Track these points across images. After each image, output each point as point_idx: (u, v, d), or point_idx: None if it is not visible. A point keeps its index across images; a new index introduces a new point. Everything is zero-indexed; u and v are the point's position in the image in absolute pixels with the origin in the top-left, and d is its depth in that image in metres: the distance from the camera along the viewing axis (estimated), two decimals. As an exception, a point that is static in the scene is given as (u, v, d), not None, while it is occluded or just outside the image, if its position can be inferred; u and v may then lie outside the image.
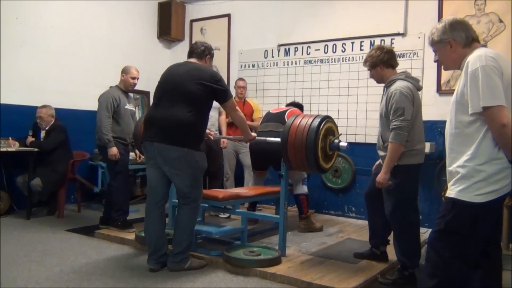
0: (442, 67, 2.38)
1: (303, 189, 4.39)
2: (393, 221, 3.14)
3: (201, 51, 3.37)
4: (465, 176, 2.00)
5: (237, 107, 3.38)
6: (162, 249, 3.24)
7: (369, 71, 3.27)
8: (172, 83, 3.19)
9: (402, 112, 2.93)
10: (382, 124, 3.12)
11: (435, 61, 2.33)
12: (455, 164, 2.06)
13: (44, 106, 4.94)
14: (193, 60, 3.37)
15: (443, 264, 2.06)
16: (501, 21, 4.42)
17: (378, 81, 3.25)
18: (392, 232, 3.23)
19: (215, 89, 3.17)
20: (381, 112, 3.11)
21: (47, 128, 4.94)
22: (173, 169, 3.15)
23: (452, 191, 2.04)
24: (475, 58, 1.99)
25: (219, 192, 3.66)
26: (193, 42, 3.50)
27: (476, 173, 1.97)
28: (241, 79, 5.69)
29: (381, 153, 3.15)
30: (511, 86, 1.97)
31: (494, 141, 1.95)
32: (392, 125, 2.95)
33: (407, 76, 3.10)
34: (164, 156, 3.12)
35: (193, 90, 3.11)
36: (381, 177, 2.99)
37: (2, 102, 4.94)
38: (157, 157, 3.15)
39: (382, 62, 3.13)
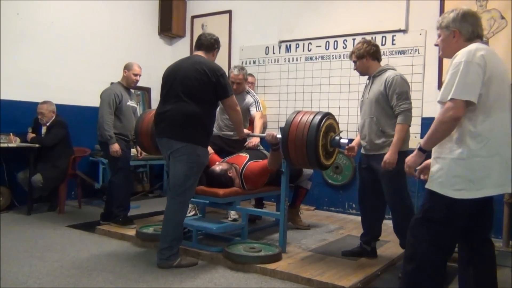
0: (441, 57, 2.42)
1: (307, 184, 4.41)
2: (398, 206, 3.19)
3: (211, 44, 3.41)
4: (444, 169, 2.07)
5: (238, 107, 3.38)
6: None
7: (354, 63, 3.35)
8: (177, 78, 3.21)
9: (407, 96, 3.10)
10: (377, 109, 3.17)
11: (435, 45, 2.34)
12: (436, 156, 2.13)
13: (45, 102, 4.95)
14: (200, 53, 3.39)
15: (421, 250, 2.16)
16: (502, 17, 4.40)
17: (362, 73, 3.37)
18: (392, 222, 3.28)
19: (215, 84, 3.18)
20: (377, 98, 3.16)
21: (48, 124, 4.94)
22: (174, 158, 3.20)
23: (431, 183, 2.13)
24: (464, 52, 2.04)
25: (219, 189, 3.66)
26: (201, 34, 3.51)
27: (454, 168, 2.05)
28: (249, 74, 5.65)
29: (377, 140, 3.17)
30: (503, 82, 2.06)
31: (475, 138, 2.01)
32: (401, 107, 3.06)
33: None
34: (170, 148, 3.20)
35: (196, 85, 3.15)
36: (391, 157, 3.02)
37: (2, 98, 4.94)
38: (166, 151, 3.25)
39: (369, 54, 3.24)
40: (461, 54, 2.03)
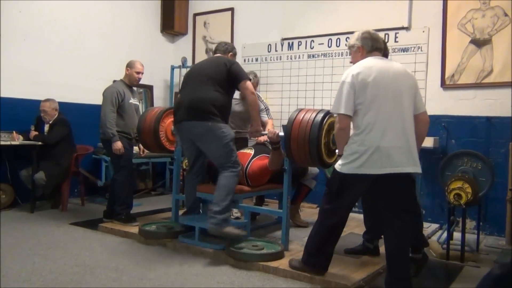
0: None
1: (311, 183, 4.40)
2: None
3: (225, 49, 3.83)
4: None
5: (254, 91, 3.55)
6: (195, 210, 3.89)
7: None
8: (196, 72, 3.60)
9: None
10: None
11: (350, 62, 2.89)
12: None
13: (47, 100, 4.95)
14: (218, 54, 3.81)
15: (320, 215, 2.86)
16: (506, 14, 4.38)
17: None
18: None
19: (231, 71, 3.49)
20: None
21: (50, 122, 4.94)
22: (204, 144, 3.50)
23: None
24: (345, 72, 2.66)
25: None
26: (219, 42, 3.97)
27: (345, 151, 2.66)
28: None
29: None
30: (379, 85, 2.56)
31: (356, 130, 2.61)
32: None
33: None
34: (194, 134, 3.50)
35: (213, 73, 3.50)
36: None
37: (5, 96, 4.95)
38: (189, 136, 3.55)
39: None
40: (344, 74, 2.65)
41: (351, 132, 2.69)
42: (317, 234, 2.88)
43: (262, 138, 4.30)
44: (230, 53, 3.82)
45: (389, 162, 2.55)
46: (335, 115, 2.69)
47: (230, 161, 3.47)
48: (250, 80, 3.56)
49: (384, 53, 3.20)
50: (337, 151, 2.76)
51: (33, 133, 4.90)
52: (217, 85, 3.46)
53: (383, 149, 2.53)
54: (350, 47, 2.83)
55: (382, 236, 3.47)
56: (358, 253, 3.44)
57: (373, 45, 2.76)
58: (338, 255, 3.39)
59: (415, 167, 2.63)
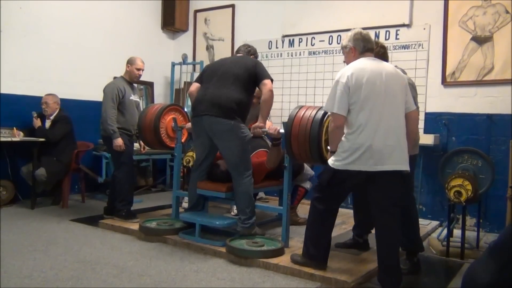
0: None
1: (306, 184, 4.39)
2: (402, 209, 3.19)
3: (248, 51, 3.90)
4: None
5: (272, 90, 3.55)
6: (198, 207, 3.86)
7: None
8: (222, 69, 3.62)
9: (415, 101, 3.05)
10: None
11: (344, 62, 2.94)
12: None
13: (50, 94, 4.96)
14: (240, 55, 3.87)
15: (312, 204, 2.95)
16: (507, 12, 4.37)
17: None
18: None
19: (256, 71, 3.55)
20: None
21: (52, 118, 4.94)
22: (223, 141, 3.52)
23: None
24: (339, 72, 2.72)
25: (223, 185, 3.66)
26: (242, 44, 4.05)
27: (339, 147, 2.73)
28: None
29: None
30: (374, 85, 2.62)
31: (350, 128, 2.67)
32: None
33: (402, 71, 3.15)
34: (214, 130, 3.51)
35: (239, 73, 3.55)
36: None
37: (6, 92, 4.94)
38: (207, 131, 3.55)
39: (377, 56, 3.08)
40: (338, 74, 2.72)
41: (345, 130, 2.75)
42: (312, 224, 2.98)
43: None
44: (252, 56, 3.87)
45: (380, 160, 2.62)
46: (329, 113, 2.77)
47: (244, 162, 3.52)
48: (272, 80, 3.58)
49: (383, 55, 3.18)
50: (329, 147, 2.83)
51: (37, 122, 4.88)
52: (242, 86, 3.51)
53: (375, 148, 2.60)
54: (343, 48, 2.90)
55: (372, 231, 3.51)
56: (348, 247, 3.51)
57: (365, 45, 2.81)
58: (338, 252, 3.40)
59: (404, 166, 2.70)
